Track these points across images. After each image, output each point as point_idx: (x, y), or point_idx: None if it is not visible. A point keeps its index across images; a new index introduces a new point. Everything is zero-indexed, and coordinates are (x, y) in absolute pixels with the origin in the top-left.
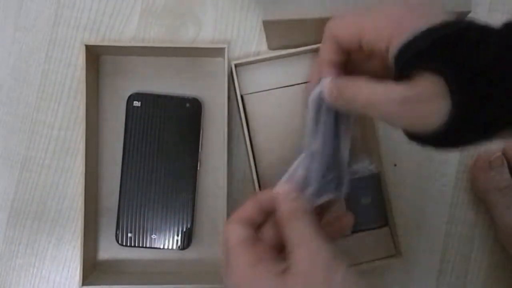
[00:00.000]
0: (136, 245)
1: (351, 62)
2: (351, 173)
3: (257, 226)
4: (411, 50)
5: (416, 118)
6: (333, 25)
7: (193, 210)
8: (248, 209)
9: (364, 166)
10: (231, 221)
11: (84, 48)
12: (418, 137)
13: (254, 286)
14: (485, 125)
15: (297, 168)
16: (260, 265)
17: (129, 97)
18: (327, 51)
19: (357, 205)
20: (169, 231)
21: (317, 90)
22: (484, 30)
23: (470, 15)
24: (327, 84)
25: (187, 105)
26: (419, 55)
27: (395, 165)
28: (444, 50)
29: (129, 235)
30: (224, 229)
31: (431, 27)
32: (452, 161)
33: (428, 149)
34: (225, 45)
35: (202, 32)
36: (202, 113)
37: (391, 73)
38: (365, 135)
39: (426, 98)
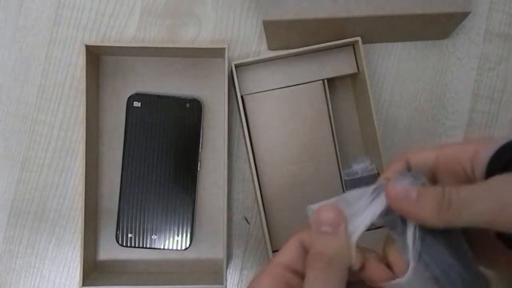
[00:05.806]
0: (137, 245)
1: None
2: (352, 173)
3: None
4: (509, 151)
5: None
6: (408, 149)
7: (193, 210)
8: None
9: (364, 167)
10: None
11: (84, 48)
12: None
13: None
14: None
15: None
16: None
17: (129, 97)
18: (390, 170)
19: None
20: (169, 232)
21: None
22: None
23: (470, 15)
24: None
25: (187, 105)
26: None
27: None
28: None
29: (130, 235)
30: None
31: None
32: None
33: None
34: (225, 46)
35: (202, 32)
36: (202, 114)
37: None
38: (365, 135)
39: None
